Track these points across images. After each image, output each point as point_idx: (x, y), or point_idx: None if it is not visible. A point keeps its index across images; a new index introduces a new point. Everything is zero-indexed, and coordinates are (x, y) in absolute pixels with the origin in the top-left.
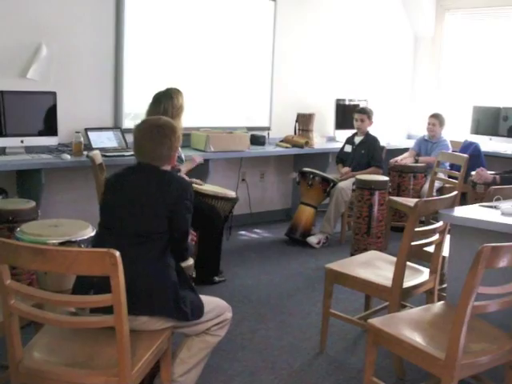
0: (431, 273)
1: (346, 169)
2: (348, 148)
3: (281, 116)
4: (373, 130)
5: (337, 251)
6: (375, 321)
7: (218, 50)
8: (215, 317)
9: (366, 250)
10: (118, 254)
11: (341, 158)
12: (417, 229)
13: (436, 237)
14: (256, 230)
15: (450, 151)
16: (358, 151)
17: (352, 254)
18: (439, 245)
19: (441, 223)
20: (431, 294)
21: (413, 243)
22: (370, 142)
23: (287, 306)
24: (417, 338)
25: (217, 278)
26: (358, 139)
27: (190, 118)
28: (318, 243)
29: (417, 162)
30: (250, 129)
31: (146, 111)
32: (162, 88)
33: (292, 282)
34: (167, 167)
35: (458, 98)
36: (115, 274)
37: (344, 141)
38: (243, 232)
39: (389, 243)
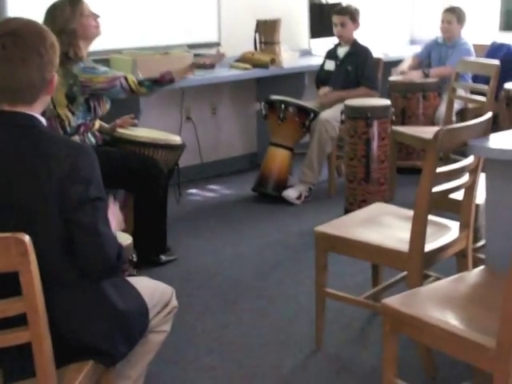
0: (462, 228)
1: (326, 89)
2: (330, 65)
3: (234, 26)
4: (362, 38)
5: (325, 207)
6: (392, 300)
7: None
8: (161, 309)
9: (365, 202)
10: (27, 238)
11: (321, 78)
12: (439, 169)
13: (465, 178)
14: (211, 187)
15: (472, 57)
16: (343, 68)
17: (347, 210)
18: (470, 189)
19: (471, 159)
20: (464, 258)
21: (434, 190)
22: (359, 53)
23: (265, 287)
24: (452, 321)
25: (164, 258)
26: (342, 51)
27: (106, 37)
28: (299, 198)
29: (427, 76)
30: (192, 46)
31: None
32: None
33: (268, 254)
34: (40, 108)
35: None
36: (26, 268)
37: (324, 55)
38: (194, 191)
39: (395, 190)
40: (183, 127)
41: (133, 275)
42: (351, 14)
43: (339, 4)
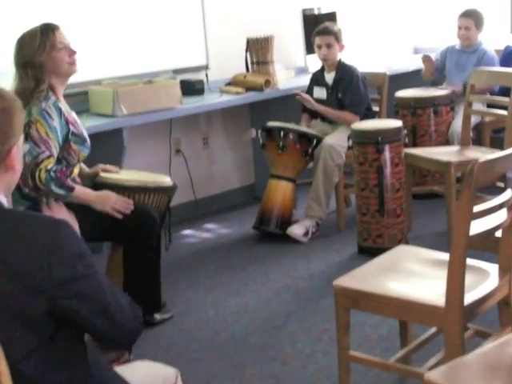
0: (502, 272)
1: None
2: (321, 92)
3: (223, 46)
4: (363, 52)
5: (336, 244)
6: (436, 375)
7: None
8: None
9: (380, 237)
10: None
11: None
12: (476, 207)
13: (503, 216)
14: (208, 226)
15: (496, 65)
16: (335, 95)
17: (361, 247)
18: (510, 227)
19: (510, 193)
20: (507, 306)
21: (471, 232)
22: (345, 76)
23: (276, 346)
24: None
25: (159, 316)
26: (329, 77)
27: (84, 68)
28: (306, 235)
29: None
30: (178, 71)
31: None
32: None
33: (276, 304)
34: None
35: None
36: None
37: (310, 81)
38: (188, 232)
39: (413, 219)
40: (173, 161)
41: (128, 361)
42: (336, 35)
43: (334, 13)
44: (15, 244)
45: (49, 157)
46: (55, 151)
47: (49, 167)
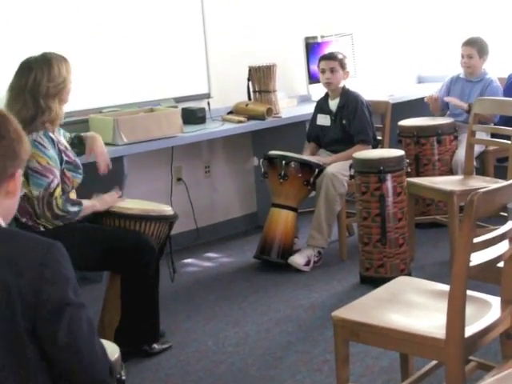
0: (504, 304)
1: (312, 145)
2: (324, 120)
3: (225, 74)
4: (367, 80)
5: (338, 273)
6: None
7: None
8: None
9: (382, 267)
10: None
11: (314, 135)
12: (476, 239)
13: (505, 247)
14: (209, 255)
15: (500, 95)
16: (338, 122)
17: (363, 277)
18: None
19: (510, 225)
20: (508, 339)
21: (472, 263)
22: (349, 103)
23: (276, 378)
24: None
25: (157, 346)
26: (333, 104)
27: (85, 96)
28: (308, 264)
29: (469, 108)
30: (179, 100)
31: (8, 87)
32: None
33: (277, 334)
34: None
35: (489, 18)
36: None
37: (314, 109)
38: (189, 261)
39: (415, 249)
40: (174, 190)
41: None
42: (341, 61)
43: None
44: (7, 259)
45: (58, 185)
46: (59, 178)
47: (60, 194)
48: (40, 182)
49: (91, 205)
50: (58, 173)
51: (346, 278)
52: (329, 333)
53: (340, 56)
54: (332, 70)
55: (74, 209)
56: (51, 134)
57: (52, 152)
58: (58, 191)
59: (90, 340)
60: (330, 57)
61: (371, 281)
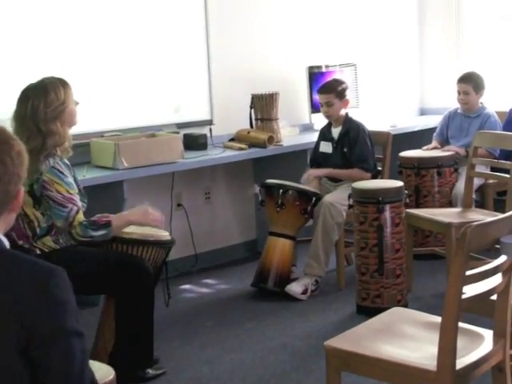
0: (496, 337)
1: (311, 171)
2: (326, 147)
3: (227, 101)
4: (369, 110)
5: (335, 303)
6: None
7: (124, 17)
8: None
9: (379, 297)
10: None
11: (317, 161)
12: (468, 272)
13: (497, 280)
14: (206, 281)
15: (499, 130)
16: (339, 149)
17: (359, 307)
18: (505, 292)
19: (503, 259)
20: (500, 372)
21: (464, 296)
22: (351, 131)
23: None
24: None
25: (151, 372)
26: (336, 132)
27: (87, 120)
28: (305, 293)
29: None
30: (181, 125)
31: (12, 115)
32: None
33: (272, 362)
34: (2, 228)
35: (490, 50)
36: None
37: (318, 136)
38: (187, 286)
39: (413, 280)
40: (174, 215)
41: None
42: (337, 93)
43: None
44: (8, 283)
45: (77, 211)
46: (79, 202)
47: (80, 220)
48: (60, 213)
49: (125, 220)
50: (77, 198)
51: (342, 307)
52: (323, 362)
53: (336, 86)
54: (328, 104)
55: (99, 233)
56: (66, 160)
57: (70, 178)
58: (78, 218)
59: (80, 370)
60: (325, 90)
61: (368, 311)
